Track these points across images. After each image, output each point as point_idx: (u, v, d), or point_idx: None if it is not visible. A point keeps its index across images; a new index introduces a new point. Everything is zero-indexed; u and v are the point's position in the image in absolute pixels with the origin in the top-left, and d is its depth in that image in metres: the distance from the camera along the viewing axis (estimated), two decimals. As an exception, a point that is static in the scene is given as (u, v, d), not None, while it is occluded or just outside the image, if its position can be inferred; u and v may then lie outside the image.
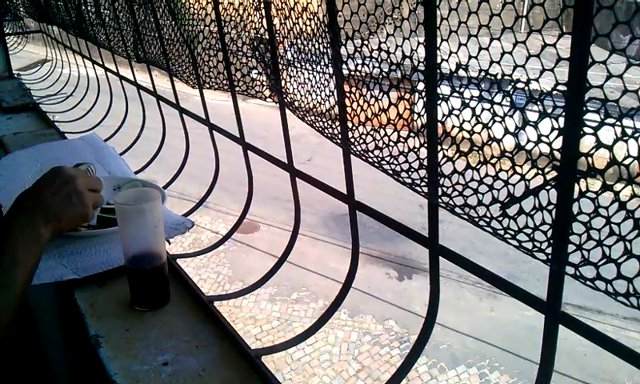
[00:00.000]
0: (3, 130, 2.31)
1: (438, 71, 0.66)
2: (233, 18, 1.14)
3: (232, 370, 0.94)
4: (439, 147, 0.72)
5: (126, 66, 2.13)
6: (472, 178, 0.68)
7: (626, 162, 0.50)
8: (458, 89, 0.65)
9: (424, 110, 0.70)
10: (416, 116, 0.72)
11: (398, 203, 7.93)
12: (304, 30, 0.88)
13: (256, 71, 1.18)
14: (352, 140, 0.88)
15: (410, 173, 0.78)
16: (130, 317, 1.07)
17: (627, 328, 6.91)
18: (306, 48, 0.90)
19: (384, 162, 0.82)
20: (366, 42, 0.75)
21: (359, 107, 0.83)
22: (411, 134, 0.75)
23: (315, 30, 0.85)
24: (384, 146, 0.80)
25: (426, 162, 0.74)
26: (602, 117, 0.51)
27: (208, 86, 1.40)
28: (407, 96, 0.74)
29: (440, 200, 0.74)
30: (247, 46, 1.15)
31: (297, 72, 0.98)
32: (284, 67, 1.03)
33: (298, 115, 1.02)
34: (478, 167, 0.66)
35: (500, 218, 0.66)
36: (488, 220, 0.68)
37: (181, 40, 1.44)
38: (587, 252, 0.57)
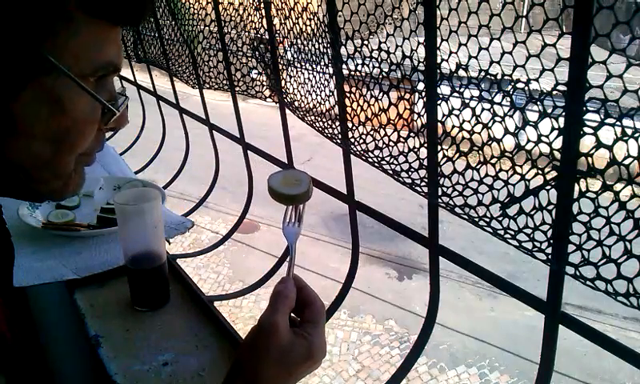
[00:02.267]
0: (3, 130, 2.30)
1: (438, 71, 0.66)
2: (233, 18, 1.14)
3: (232, 370, 0.93)
4: (439, 147, 0.72)
5: (125, 66, 2.13)
6: (472, 177, 0.68)
7: (626, 162, 0.50)
8: (458, 89, 0.65)
9: (424, 109, 0.70)
10: (416, 116, 0.72)
11: (397, 203, 7.93)
12: (304, 30, 0.88)
13: (256, 71, 1.18)
14: (352, 140, 0.88)
15: (410, 173, 0.78)
16: (130, 317, 1.07)
17: (627, 328, 6.91)
18: (306, 48, 0.90)
19: (384, 162, 0.82)
20: (365, 42, 0.75)
21: (359, 107, 0.83)
22: (411, 134, 0.75)
23: (315, 30, 0.85)
24: (384, 146, 0.80)
25: (425, 162, 0.74)
26: (602, 117, 0.51)
27: (208, 86, 1.40)
28: (407, 96, 0.74)
29: (440, 200, 0.74)
30: (247, 46, 1.15)
31: (297, 72, 0.98)
32: (284, 67, 1.03)
33: (298, 115, 1.02)
34: (478, 167, 0.66)
35: (500, 218, 0.66)
36: (488, 220, 0.68)
37: (181, 40, 1.44)
38: (587, 252, 0.57)
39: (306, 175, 0.74)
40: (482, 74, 0.61)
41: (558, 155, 0.55)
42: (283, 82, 1.04)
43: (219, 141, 1.56)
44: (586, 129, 0.52)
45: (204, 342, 1.00)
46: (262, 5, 1.00)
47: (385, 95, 0.76)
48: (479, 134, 0.66)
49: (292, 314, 0.64)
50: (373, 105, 0.80)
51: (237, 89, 1.26)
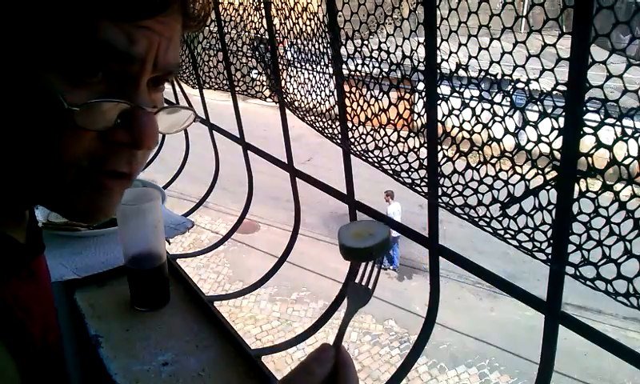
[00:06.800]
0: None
1: (438, 71, 0.66)
2: (233, 18, 1.14)
3: (232, 370, 0.93)
4: (439, 147, 0.72)
5: (126, 66, 2.13)
6: (472, 177, 0.68)
7: (626, 162, 0.50)
8: (458, 89, 0.65)
9: (424, 110, 0.70)
10: (416, 116, 0.72)
11: (397, 203, 7.92)
12: (304, 30, 0.88)
13: (256, 71, 1.18)
14: (352, 140, 0.88)
15: (410, 173, 0.78)
16: (130, 317, 1.07)
17: (627, 328, 6.91)
18: (306, 48, 0.90)
19: (384, 162, 0.82)
20: (365, 42, 0.75)
21: (359, 107, 0.83)
22: (411, 134, 0.75)
23: (315, 30, 0.85)
24: (384, 146, 0.80)
25: (425, 162, 0.74)
26: (602, 117, 0.51)
27: (208, 85, 1.40)
28: (407, 96, 0.74)
29: (440, 200, 0.74)
30: (247, 46, 1.15)
31: (297, 72, 0.98)
32: (284, 67, 1.03)
33: (298, 115, 1.02)
34: (478, 167, 0.66)
35: (500, 218, 0.66)
36: (488, 220, 0.68)
37: (181, 40, 1.44)
38: (587, 252, 0.57)
39: (383, 227, 0.64)
40: (482, 74, 0.61)
41: (558, 155, 0.55)
42: (283, 82, 1.04)
43: (219, 141, 1.56)
44: (586, 129, 0.52)
45: (204, 342, 1.00)
46: (262, 5, 1.00)
47: (385, 95, 0.76)
48: (479, 134, 0.66)
49: None
50: (373, 105, 0.80)
51: (237, 89, 1.26)
